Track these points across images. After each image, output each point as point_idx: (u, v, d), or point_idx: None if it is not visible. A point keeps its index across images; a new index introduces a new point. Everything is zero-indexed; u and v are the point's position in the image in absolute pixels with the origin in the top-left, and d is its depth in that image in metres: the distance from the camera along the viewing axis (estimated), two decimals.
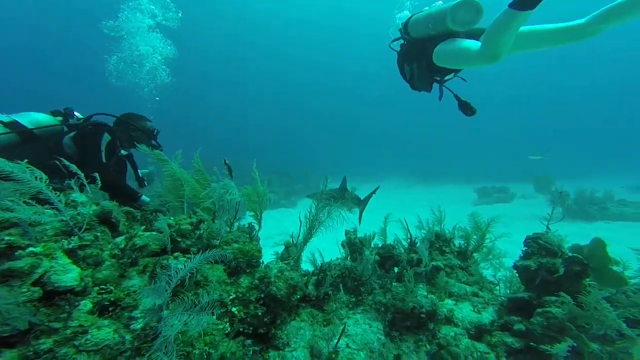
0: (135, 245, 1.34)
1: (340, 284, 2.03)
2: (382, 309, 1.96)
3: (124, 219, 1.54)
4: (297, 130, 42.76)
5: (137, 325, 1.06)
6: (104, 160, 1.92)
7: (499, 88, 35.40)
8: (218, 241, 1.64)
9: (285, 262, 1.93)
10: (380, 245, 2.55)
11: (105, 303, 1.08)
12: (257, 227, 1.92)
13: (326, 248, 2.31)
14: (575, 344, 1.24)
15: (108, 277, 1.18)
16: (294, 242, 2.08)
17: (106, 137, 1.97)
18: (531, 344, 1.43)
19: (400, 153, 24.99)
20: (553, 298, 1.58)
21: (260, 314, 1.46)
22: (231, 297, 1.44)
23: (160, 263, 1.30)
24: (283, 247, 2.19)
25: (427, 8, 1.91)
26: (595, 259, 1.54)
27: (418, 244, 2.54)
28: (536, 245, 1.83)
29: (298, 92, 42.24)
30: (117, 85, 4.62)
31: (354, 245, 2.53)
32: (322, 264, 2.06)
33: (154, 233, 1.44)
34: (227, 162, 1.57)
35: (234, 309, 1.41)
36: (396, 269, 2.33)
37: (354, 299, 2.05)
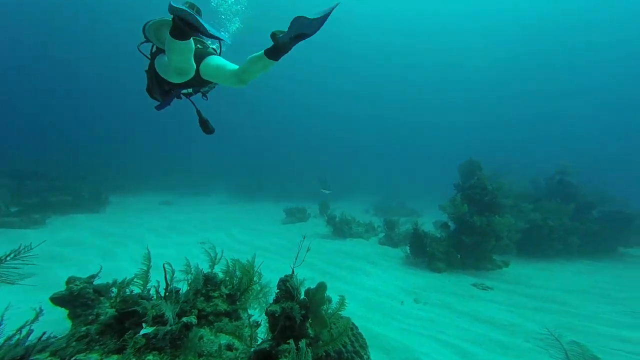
0: None
1: None
2: None
3: None
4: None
5: None
6: None
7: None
8: None
9: None
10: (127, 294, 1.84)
11: None
12: None
13: None
14: None
15: None
16: None
17: None
18: None
19: (232, 167, 24.52)
20: (285, 346, 1.67)
21: None
22: None
23: None
24: None
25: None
26: (314, 303, 1.82)
27: (181, 291, 2.10)
28: (284, 288, 1.97)
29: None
30: None
31: (81, 298, 1.67)
32: None
33: None
34: None
35: None
36: (150, 329, 1.74)
37: None
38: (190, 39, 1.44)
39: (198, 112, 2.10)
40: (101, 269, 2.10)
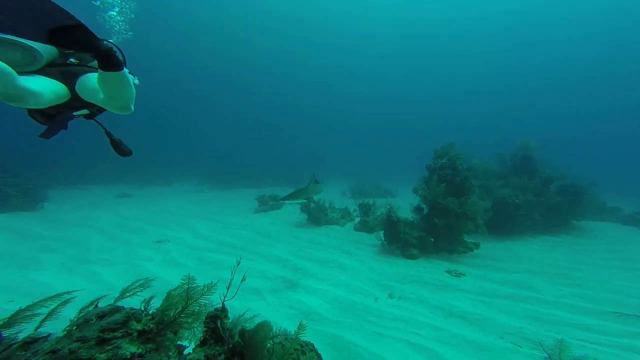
0: None
1: None
2: None
3: None
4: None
5: None
6: None
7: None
8: None
9: None
10: None
11: None
12: None
13: None
14: None
15: None
16: None
17: None
18: None
19: (203, 153, 22.83)
20: None
21: None
22: None
23: None
24: None
25: None
26: (251, 348, 1.36)
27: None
28: (212, 327, 1.48)
29: None
30: None
31: None
32: None
33: None
34: None
35: None
36: None
37: None
38: None
39: (107, 134, 1.74)
40: None
